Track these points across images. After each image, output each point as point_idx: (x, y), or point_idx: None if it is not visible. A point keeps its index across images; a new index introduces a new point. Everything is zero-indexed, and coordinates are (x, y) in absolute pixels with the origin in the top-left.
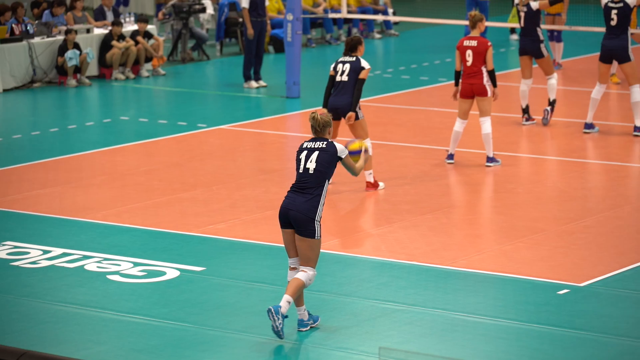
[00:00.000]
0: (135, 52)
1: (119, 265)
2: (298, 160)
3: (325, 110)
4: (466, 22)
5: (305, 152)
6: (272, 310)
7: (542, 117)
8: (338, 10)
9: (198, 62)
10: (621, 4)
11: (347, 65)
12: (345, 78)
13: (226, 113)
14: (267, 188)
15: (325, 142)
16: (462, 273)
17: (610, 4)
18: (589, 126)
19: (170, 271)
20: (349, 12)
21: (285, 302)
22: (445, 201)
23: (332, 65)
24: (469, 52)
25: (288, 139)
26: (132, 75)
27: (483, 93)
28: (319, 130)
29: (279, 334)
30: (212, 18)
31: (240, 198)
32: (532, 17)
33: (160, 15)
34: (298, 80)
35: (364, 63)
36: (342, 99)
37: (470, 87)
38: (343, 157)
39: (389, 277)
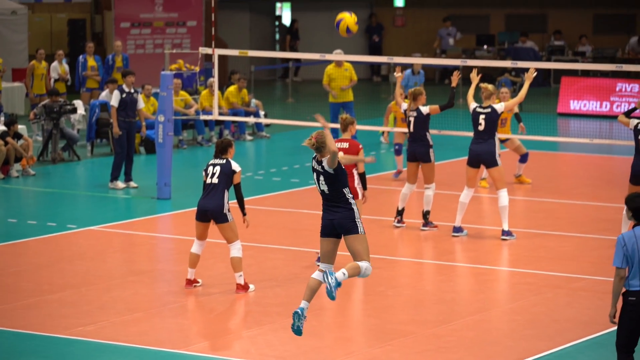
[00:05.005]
0: (5, 152)
1: None
2: (314, 179)
3: (316, 134)
4: (337, 125)
5: (315, 175)
6: (327, 272)
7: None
8: (210, 112)
9: (69, 163)
10: (489, 110)
11: (218, 168)
12: (215, 180)
13: (96, 214)
14: (136, 290)
15: (322, 167)
16: None
17: (479, 109)
18: (458, 230)
19: None
20: (220, 113)
21: (341, 273)
22: (316, 303)
23: (204, 169)
24: (340, 155)
25: (158, 240)
26: (1, 176)
27: (354, 196)
28: (319, 149)
29: (332, 294)
30: (83, 118)
31: (110, 300)
32: (423, 122)
33: (31, 115)
34: (169, 181)
35: (235, 166)
36: (212, 201)
37: None
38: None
39: None
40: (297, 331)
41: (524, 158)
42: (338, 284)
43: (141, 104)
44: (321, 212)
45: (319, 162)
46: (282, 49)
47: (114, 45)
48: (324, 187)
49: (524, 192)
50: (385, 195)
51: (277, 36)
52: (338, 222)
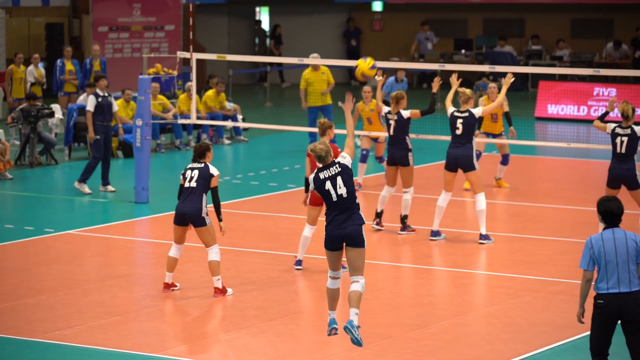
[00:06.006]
0: None
1: None
2: (326, 192)
3: (317, 143)
4: (316, 130)
5: (328, 182)
6: (348, 326)
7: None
8: (187, 116)
9: (46, 167)
10: (467, 114)
11: (196, 172)
12: (193, 184)
13: (74, 218)
14: (114, 293)
15: (337, 165)
16: None
17: (456, 114)
18: (435, 233)
19: None
20: (198, 117)
21: (354, 314)
22: (294, 307)
23: (182, 173)
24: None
25: (136, 244)
26: None
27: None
28: (324, 158)
29: (359, 343)
30: (61, 122)
31: (87, 304)
32: (403, 126)
33: (9, 119)
34: (147, 185)
35: (213, 169)
36: (190, 205)
37: None
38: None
39: None
40: (333, 335)
41: (505, 160)
42: (358, 327)
43: (115, 107)
44: (323, 221)
45: (331, 165)
46: (263, 53)
47: (91, 49)
48: (342, 191)
49: (502, 196)
50: (362, 198)
51: (257, 40)
52: (349, 231)
